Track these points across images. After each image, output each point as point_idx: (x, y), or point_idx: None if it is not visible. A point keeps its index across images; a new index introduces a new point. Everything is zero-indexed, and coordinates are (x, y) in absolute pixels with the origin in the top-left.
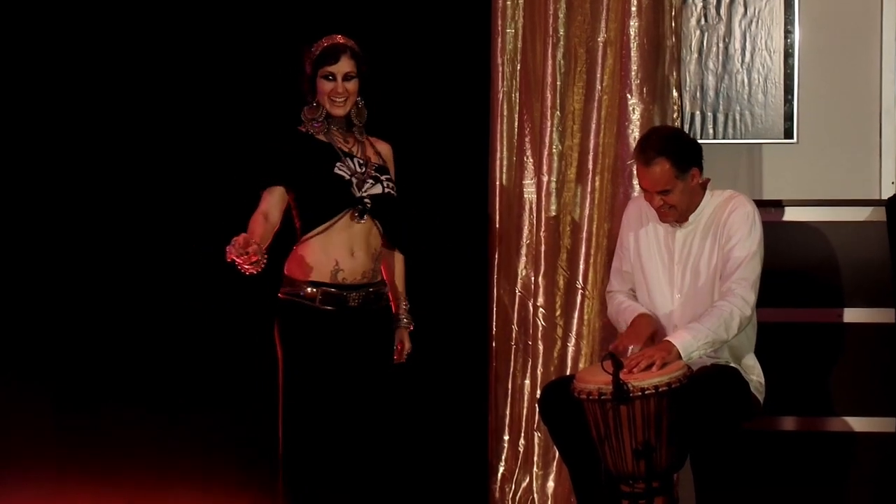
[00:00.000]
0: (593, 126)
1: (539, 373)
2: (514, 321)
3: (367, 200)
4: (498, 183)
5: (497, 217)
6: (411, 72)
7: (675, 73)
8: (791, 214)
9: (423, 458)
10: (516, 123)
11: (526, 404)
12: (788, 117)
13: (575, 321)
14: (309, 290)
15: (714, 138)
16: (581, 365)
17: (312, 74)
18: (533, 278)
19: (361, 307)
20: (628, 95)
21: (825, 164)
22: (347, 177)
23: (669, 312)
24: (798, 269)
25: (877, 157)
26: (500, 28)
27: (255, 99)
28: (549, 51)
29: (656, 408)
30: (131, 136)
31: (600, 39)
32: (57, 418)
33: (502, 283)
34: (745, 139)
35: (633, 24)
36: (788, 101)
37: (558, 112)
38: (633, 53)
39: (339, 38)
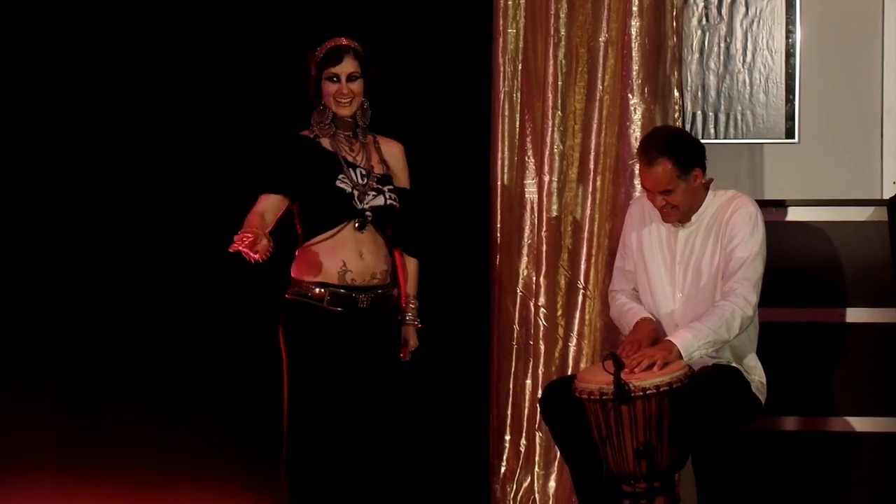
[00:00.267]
0: (595, 126)
1: (540, 372)
2: (516, 321)
3: (368, 214)
4: (499, 183)
5: (498, 217)
6: (413, 72)
7: (676, 73)
8: (792, 214)
9: (424, 457)
10: (518, 123)
11: (527, 404)
12: (790, 117)
13: (576, 321)
14: (317, 290)
15: (715, 138)
16: (582, 365)
17: (318, 77)
18: (534, 278)
19: (370, 309)
20: (630, 95)
21: (827, 163)
22: (349, 190)
23: (671, 312)
24: (800, 268)
25: (878, 157)
26: (501, 28)
27: (260, 102)
28: (551, 51)
29: (658, 408)
30: (136, 137)
31: (602, 39)
32: (57, 418)
33: (504, 283)
34: (746, 139)
35: (635, 23)
36: (790, 100)
37: (560, 112)
38: (635, 53)
39: (343, 40)
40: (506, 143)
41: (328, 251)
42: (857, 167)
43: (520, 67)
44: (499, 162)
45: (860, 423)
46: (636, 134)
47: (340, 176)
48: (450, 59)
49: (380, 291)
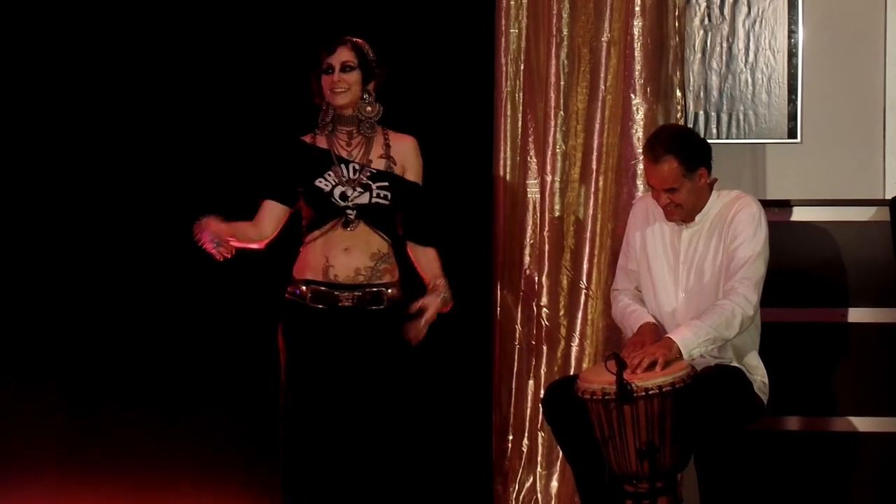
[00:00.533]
0: (597, 126)
1: (543, 373)
2: (518, 321)
3: (349, 211)
4: (501, 183)
5: (501, 217)
6: (415, 72)
7: (678, 73)
8: (794, 214)
9: (427, 457)
10: (520, 123)
11: (530, 404)
12: (792, 117)
13: (579, 321)
14: (303, 288)
15: (718, 138)
16: (585, 365)
17: (318, 75)
18: (537, 278)
19: (356, 307)
20: (632, 95)
21: (829, 163)
22: (328, 189)
23: (673, 311)
24: (802, 268)
25: (880, 157)
26: (503, 28)
27: (263, 104)
28: (553, 51)
29: (660, 408)
30: (133, 138)
31: (604, 39)
32: (58, 418)
33: (506, 283)
34: (748, 139)
35: (637, 23)
36: (792, 100)
37: (562, 112)
38: (637, 53)
39: (345, 38)
40: (508, 143)
41: (317, 249)
42: (859, 167)
43: (522, 67)
44: (501, 162)
45: (862, 423)
46: (638, 134)
47: (326, 174)
48: (452, 59)
49: (368, 290)
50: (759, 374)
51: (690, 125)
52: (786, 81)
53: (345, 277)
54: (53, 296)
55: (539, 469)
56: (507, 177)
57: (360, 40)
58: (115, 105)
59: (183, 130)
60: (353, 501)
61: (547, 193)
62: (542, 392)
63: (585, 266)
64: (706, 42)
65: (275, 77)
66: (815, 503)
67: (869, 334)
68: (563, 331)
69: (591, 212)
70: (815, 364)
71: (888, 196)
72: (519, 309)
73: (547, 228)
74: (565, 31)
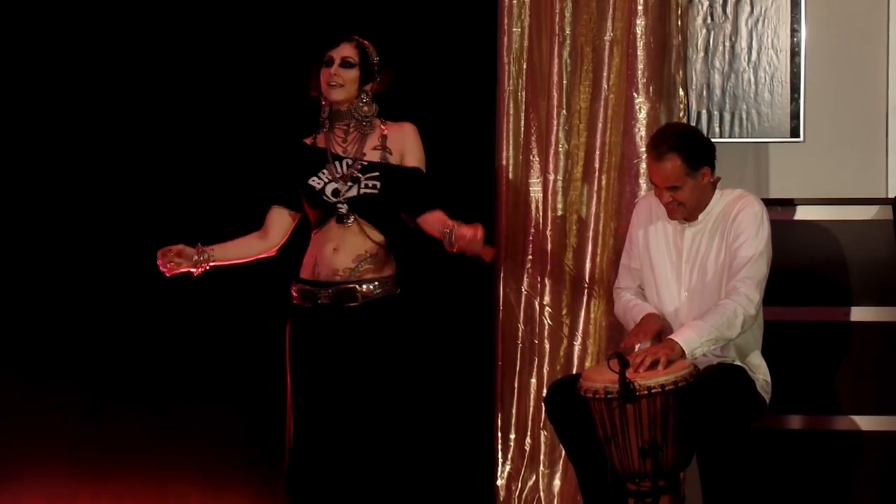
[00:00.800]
0: (599, 125)
1: (545, 371)
2: (521, 320)
3: (340, 206)
4: (504, 181)
5: (503, 215)
6: (418, 70)
7: (681, 72)
8: (797, 213)
9: (429, 455)
10: (522, 122)
11: (532, 403)
12: (795, 116)
13: (581, 320)
14: (295, 287)
15: (720, 137)
16: (587, 364)
17: (318, 67)
18: (539, 277)
19: (332, 305)
20: (635, 94)
21: (832, 162)
22: (320, 186)
23: (676, 310)
24: (804, 267)
25: (883, 156)
26: (506, 27)
27: (268, 104)
28: (556, 49)
29: (663, 406)
30: (134, 138)
31: (606, 38)
32: (58, 418)
33: (508, 282)
34: (751, 138)
35: (640, 22)
36: (795, 99)
37: (564, 111)
38: (640, 52)
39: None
40: (511, 141)
41: (313, 248)
42: (862, 166)
43: (525, 66)
44: (503, 161)
45: (865, 422)
46: (641, 133)
47: (320, 172)
48: (455, 58)
49: (344, 286)
50: (761, 372)
51: (693, 124)
52: (788, 80)
53: (325, 276)
54: (56, 296)
55: (541, 468)
56: (510, 175)
57: (366, 41)
58: (120, 106)
59: (184, 131)
60: (355, 500)
61: (549, 192)
62: (545, 391)
63: (588, 265)
64: (709, 41)
65: (278, 79)
66: (817, 502)
67: (872, 333)
68: (565, 329)
69: (593, 210)
70: (817, 363)
71: (891, 195)
72: (521, 308)
73: (549, 227)
74: (568, 30)
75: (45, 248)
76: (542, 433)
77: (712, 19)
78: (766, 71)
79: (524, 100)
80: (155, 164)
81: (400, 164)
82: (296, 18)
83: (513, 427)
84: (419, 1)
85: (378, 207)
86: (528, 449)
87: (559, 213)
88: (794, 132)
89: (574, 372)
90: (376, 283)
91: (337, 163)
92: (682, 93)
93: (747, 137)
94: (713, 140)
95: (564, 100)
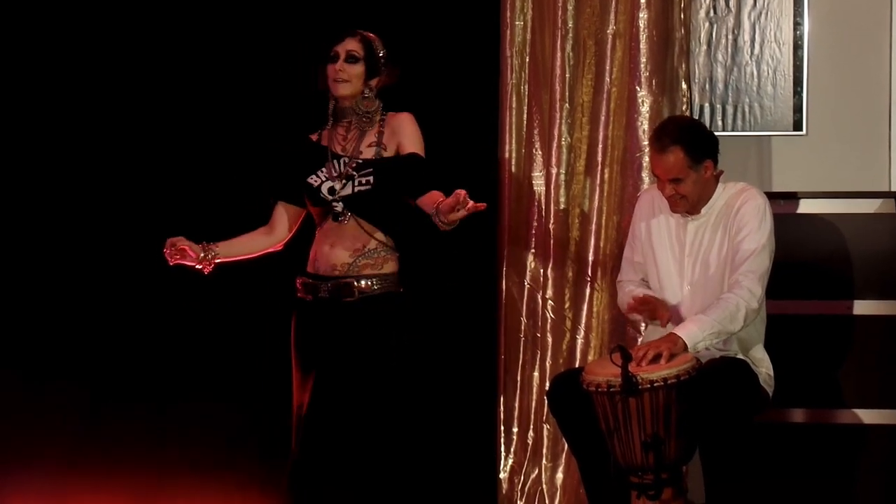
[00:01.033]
0: (602, 118)
1: (548, 365)
2: (523, 313)
3: (335, 204)
4: (507, 175)
5: (506, 209)
6: (420, 64)
7: (684, 66)
8: (800, 206)
9: (432, 449)
10: (525, 116)
11: (535, 396)
12: (797, 109)
13: (584, 313)
14: (299, 280)
15: (723, 130)
16: (590, 357)
17: (324, 62)
18: (542, 270)
19: (332, 298)
20: (637, 87)
21: (834, 156)
22: (317, 184)
23: (678, 303)
24: (807, 261)
25: (886, 149)
26: (509, 20)
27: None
28: (558, 43)
29: (665, 400)
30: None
31: (609, 31)
32: (58, 418)
33: (511, 276)
34: (754, 131)
35: (643, 16)
36: (797, 93)
37: (567, 104)
38: (643, 45)
39: (357, 30)
40: (513, 135)
41: (315, 243)
42: (865, 159)
43: (527, 60)
44: (506, 154)
45: (868, 416)
46: (644, 126)
47: (319, 171)
48: (457, 51)
49: (342, 281)
50: (764, 366)
51: (696, 117)
52: (791, 74)
53: (324, 271)
54: (58, 295)
55: (544, 461)
56: (513, 169)
57: (372, 35)
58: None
59: (192, 128)
60: (357, 495)
61: (552, 186)
62: (548, 384)
63: (591, 258)
64: (712, 34)
65: (283, 75)
66: (820, 495)
67: (874, 326)
68: (568, 323)
69: (596, 204)
70: (820, 356)
71: (894, 188)
72: (524, 301)
73: (552, 220)
74: (570, 24)
75: (45, 247)
76: (545, 427)
77: (715, 12)
78: (768, 64)
79: (527, 93)
80: (159, 161)
81: (395, 155)
82: (300, 14)
83: (515, 420)
84: None
85: (374, 203)
86: (530, 442)
87: (562, 206)
88: (797, 125)
89: (577, 365)
90: (375, 279)
91: (335, 161)
92: (684, 86)
93: (750, 131)
94: (716, 133)
95: (567, 93)
